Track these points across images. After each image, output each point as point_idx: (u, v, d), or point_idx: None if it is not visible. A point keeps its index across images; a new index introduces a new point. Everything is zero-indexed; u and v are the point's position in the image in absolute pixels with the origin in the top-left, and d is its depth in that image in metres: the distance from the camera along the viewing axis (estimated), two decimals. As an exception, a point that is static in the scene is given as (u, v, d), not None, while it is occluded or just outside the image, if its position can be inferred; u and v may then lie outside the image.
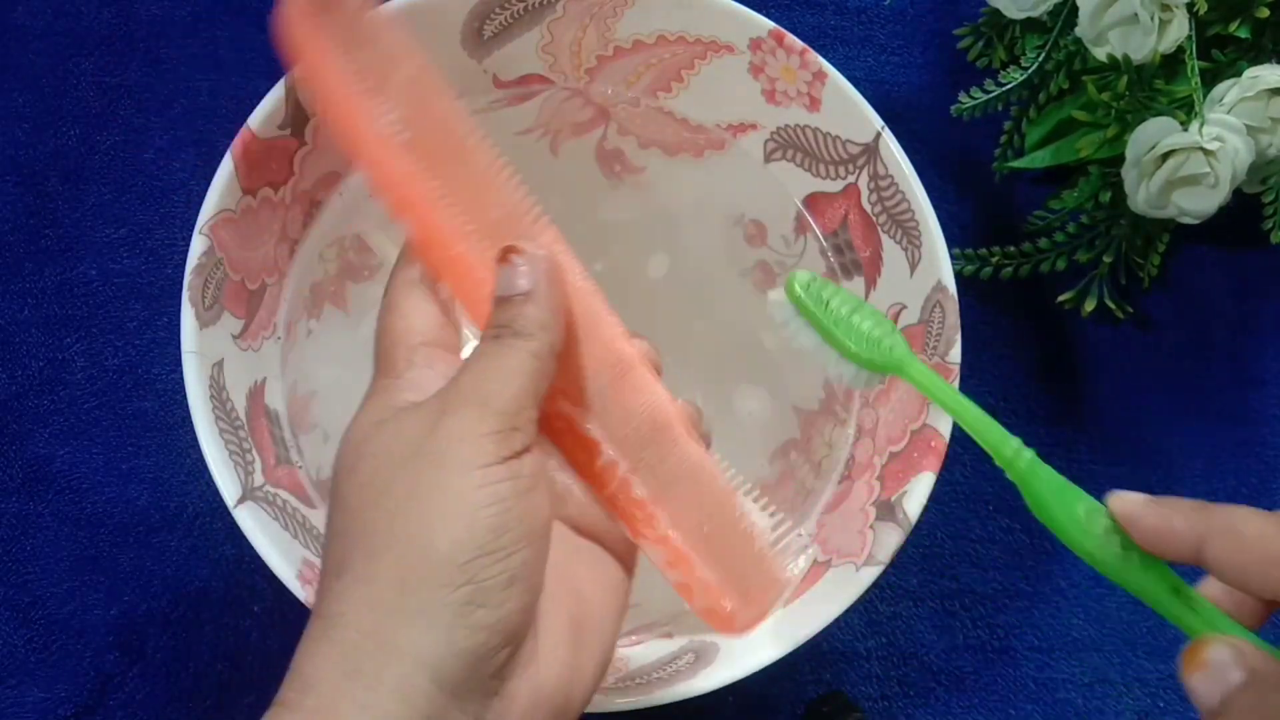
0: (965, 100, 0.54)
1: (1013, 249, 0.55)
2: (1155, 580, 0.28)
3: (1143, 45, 0.48)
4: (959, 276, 0.47)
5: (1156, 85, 0.50)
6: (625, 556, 0.35)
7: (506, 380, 0.31)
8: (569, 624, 0.31)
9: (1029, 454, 0.30)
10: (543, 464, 0.31)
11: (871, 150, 0.46)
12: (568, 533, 0.34)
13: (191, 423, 0.41)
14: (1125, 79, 0.49)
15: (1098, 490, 0.56)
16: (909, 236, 0.46)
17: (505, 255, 0.32)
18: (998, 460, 0.30)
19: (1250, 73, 0.49)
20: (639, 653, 0.44)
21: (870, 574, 0.41)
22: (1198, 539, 0.28)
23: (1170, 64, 0.49)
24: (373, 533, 0.29)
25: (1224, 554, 0.27)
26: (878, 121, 0.46)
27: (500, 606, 0.28)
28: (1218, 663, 0.26)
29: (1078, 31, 0.50)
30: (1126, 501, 0.29)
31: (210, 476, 0.40)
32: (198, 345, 0.42)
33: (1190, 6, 0.48)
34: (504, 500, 0.29)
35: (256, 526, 0.40)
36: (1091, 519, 0.29)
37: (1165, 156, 0.48)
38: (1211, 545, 0.27)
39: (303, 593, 0.40)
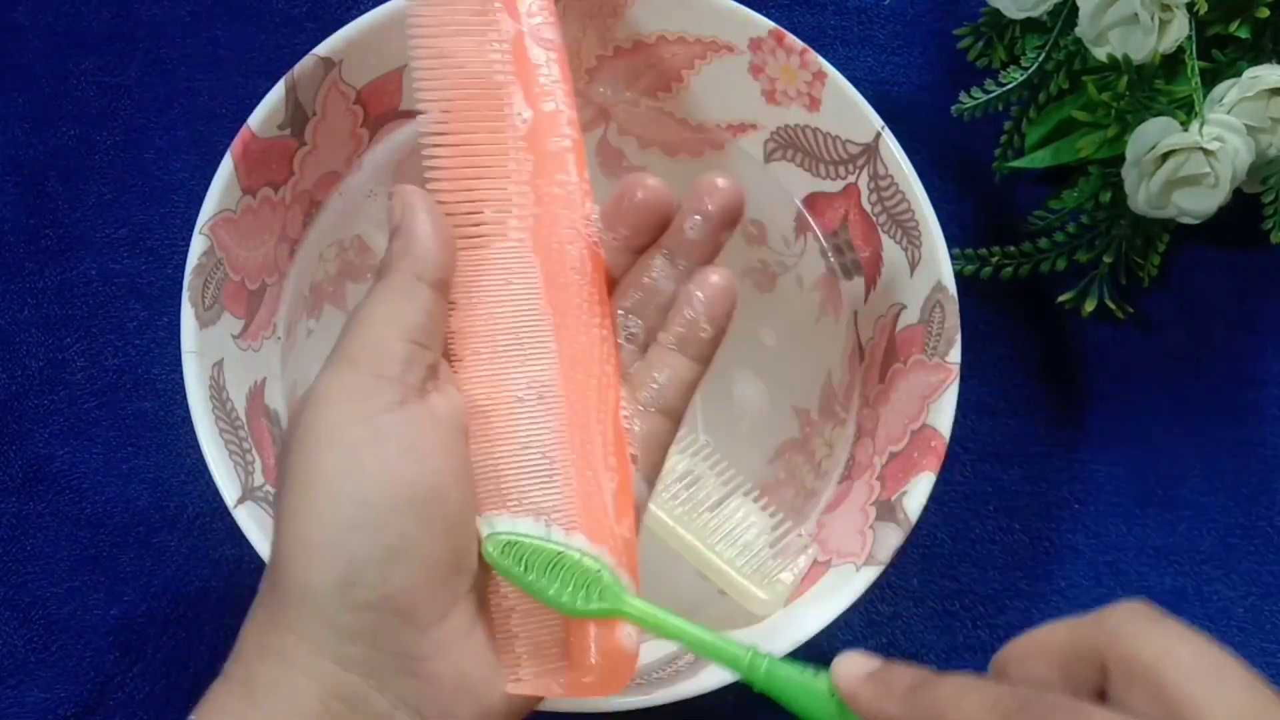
0: (965, 100, 0.54)
1: (1013, 249, 0.55)
2: None
3: (1143, 45, 0.48)
4: (959, 276, 0.47)
5: (1156, 85, 0.50)
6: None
7: (368, 326, 0.29)
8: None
9: (764, 661, 0.29)
10: (446, 410, 0.29)
11: (871, 150, 0.46)
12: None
13: (191, 423, 0.41)
14: (1125, 79, 0.49)
15: (1099, 489, 0.56)
16: (909, 236, 0.46)
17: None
18: (739, 673, 0.29)
19: (1250, 73, 0.49)
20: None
21: (870, 574, 0.41)
22: (911, 717, 0.26)
23: (1170, 64, 0.49)
24: (277, 512, 0.29)
25: None
26: (878, 121, 0.46)
27: (381, 585, 0.27)
28: None
29: (1078, 31, 0.50)
30: (847, 676, 0.27)
31: (210, 476, 0.40)
32: (198, 345, 0.42)
33: (1190, 6, 0.48)
34: (367, 467, 0.27)
35: (256, 526, 0.40)
36: (833, 697, 0.27)
37: (1165, 156, 0.48)
38: None
39: (303, 593, 0.40)
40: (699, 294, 0.34)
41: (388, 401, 0.28)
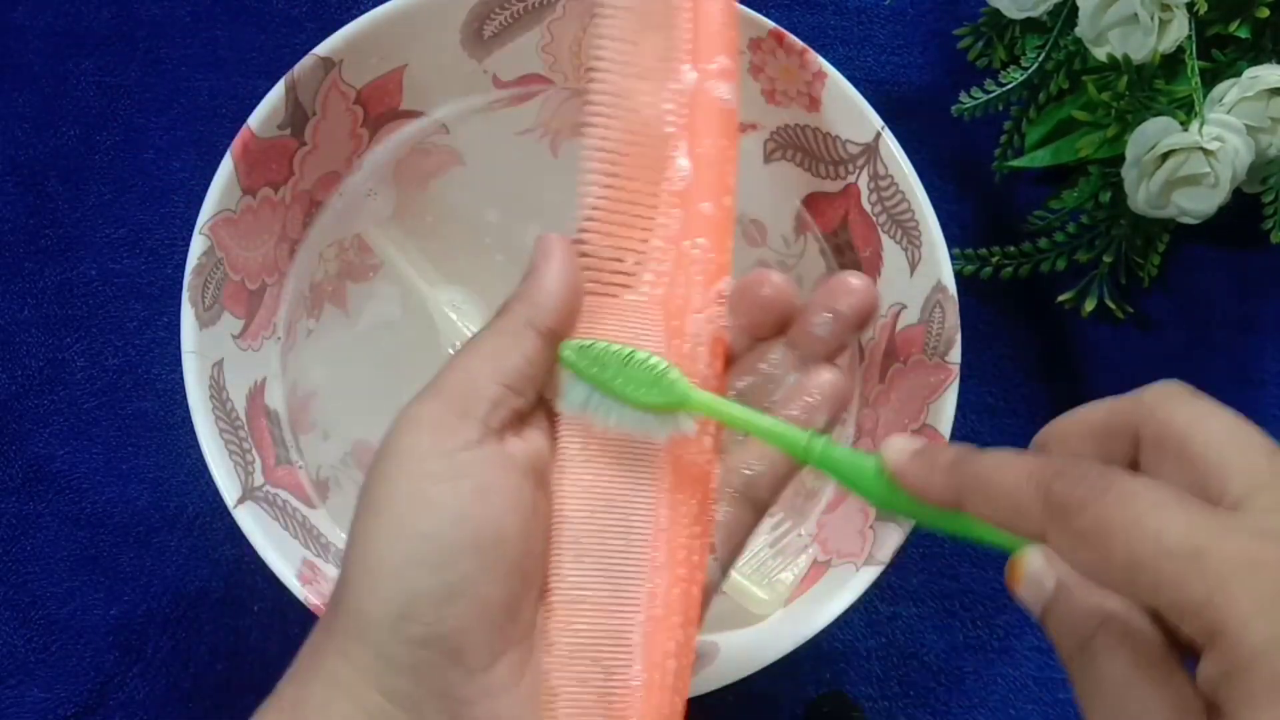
0: (965, 100, 0.54)
1: (1013, 249, 0.55)
2: (960, 520, 0.28)
3: (1143, 45, 0.48)
4: (959, 276, 0.47)
5: (1156, 85, 0.50)
6: None
7: (465, 360, 0.29)
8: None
9: (821, 441, 0.31)
10: (525, 455, 0.29)
11: (871, 150, 0.46)
12: None
13: (191, 423, 0.41)
14: (1125, 79, 0.49)
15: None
16: (909, 236, 0.46)
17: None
18: (796, 455, 0.31)
19: (1250, 73, 0.49)
20: (639, 653, 0.44)
21: (870, 574, 0.41)
22: (955, 494, 0.27)
23: (1170, 64, 0.49)
24: (349, 535, 0.29)
25: (978, 510, 0.27)
26: (878, 121, 0.46)
27: (436, 623, 0.27)
28: (1033, 574, 0.26)
29: (1078, 31, 0.50)
30: (894, 454, 0.29)
31: (210, 476, 0.40)
32: (198, 345, 0.42)
33: (1190, 6, 0.48)
34: (437, 501, 0.27)
35: (256, 526, 0.40)
36: (882, 475, 0.29)
37: (1165, 156, 0.48)
38: (966, 501, 0.27)
39: (303, 593, 0.40)
40: (814, 392, 0.33)
41: (467, 439, 0.28)
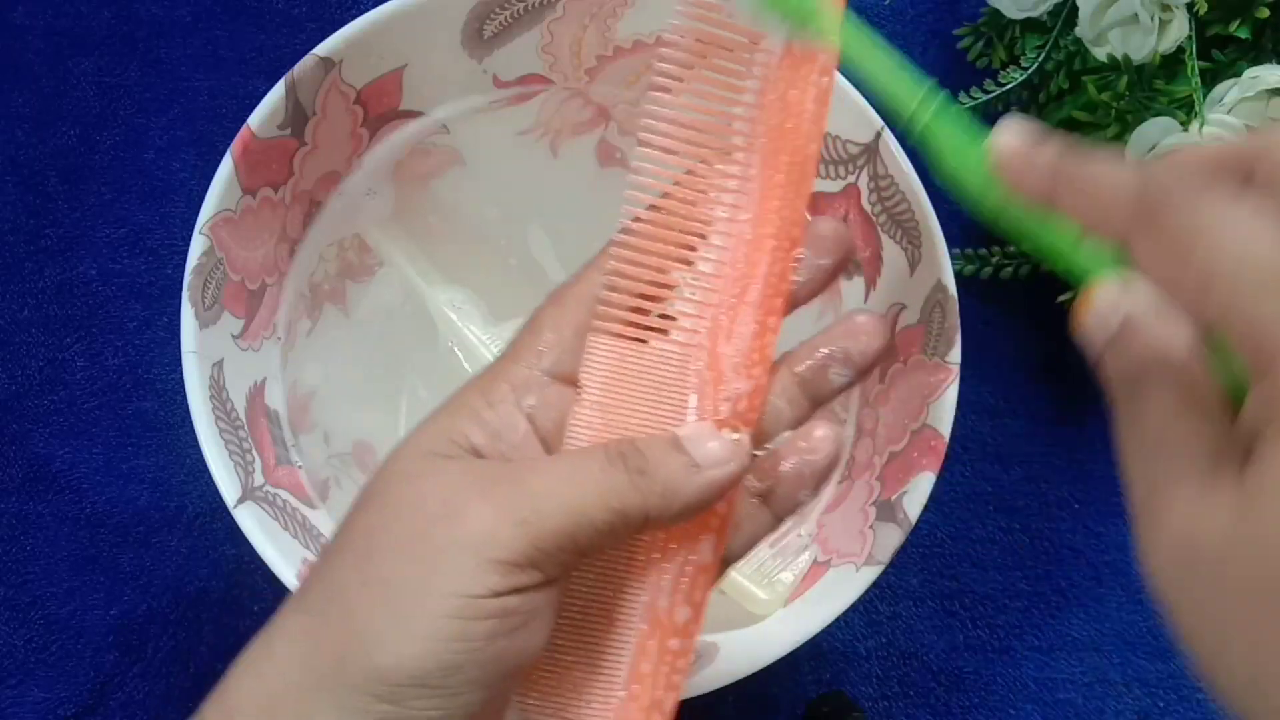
0: (965, 100, 0.54)
1: (1013, 249, 0.55)
2: (1048, 227, 0.27)
3: (1143, 45, 0.48)
4: (959, 276, 0.47)
5: (1156, 85, 0.50)
6: None
7: (566, 514, 0.27)
8: None
9: (932, 105, 0.29)
10: (550, 601, 0.28)
11: (871, 150, 0.46)
12: None
13: (191, 423, 0.41)
14: (1125, 79, 0.49)
15: (1099, 489, 0.56)
16: (909, 236, 0.46)
17: (724, 422, 0.30)
18: (902, 113, 0.29)
19: (1250, 73, 0.49)
20: (639, 653, 0.44)
21: (870, 574, 0.41)
22: (1051, 186, 0.26)
23: (1170, 64, 0.49)
24: (342, 589, 0.27)
25: (1070, 205, 0.26)
26: (878, 121, 0.46)
27: (451, 697, 0.26)
28: (1103, 306, 0.25)
29: (1078, 31, 0.50)
30: (1004, 137, 0.27)
31: (210, 476, 0.40)
32: (198, 345, 0.42)
33: (1190, 6, 0.48)
34: (473, 641, 0.26)
35: (256, 526, 0.40)
36: (985, 161, 0.28)
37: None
38: (1061, 194, 0.26)
39: (303, 593, 0.40)
40: (801, 447, 0.32)
41: (522, 585, 0.27)
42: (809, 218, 0.31)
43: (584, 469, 0.28)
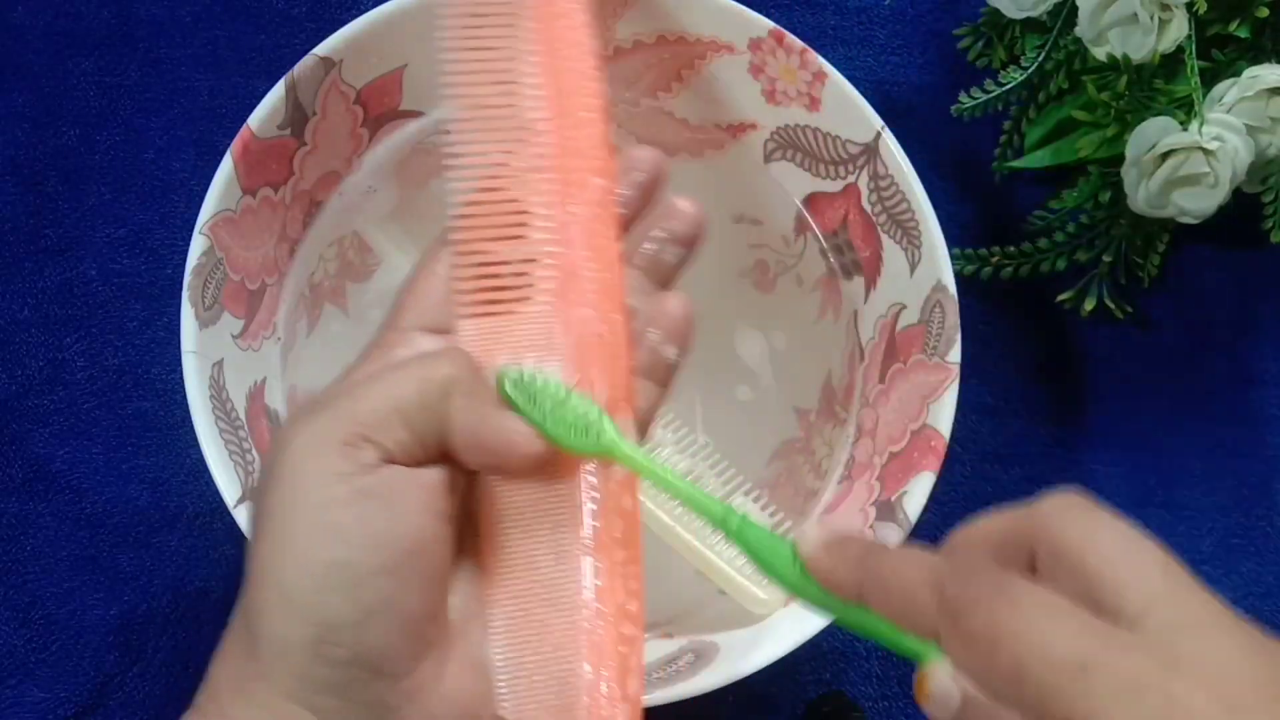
0: (965, 100, 0.54)
1: (1013, 249, 0.55)
2: (865, 615, 0.28)
3: (1142, 45, 0.48)
4: (959, 276, 0.47)
5: (1156, 85, 0.50)
6: None
7: (381, 390, 0.29)
8: (476, 645, 0.30)
9: (737, 518, 0.30)
10: (412, 478, 0.29)
11: (871, 150, 0.46)
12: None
13: (191, 423, 0.41)
14: (1125, 79, 0.49)
15: (1099, 489, 0.56)
16: (909, 236, 0.46)
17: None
18: (714, 524, 0.31)
19: (1250, 72, 0.49)
20: (639, 653, 0.44)
21: (870, 574, 0.41)
22: (858, 587, 0.28)
23: (1170, 64, 0.49)
24: (251, 556, 0.28)
25: (877, 604, 0.27)
26: (878, 121, 0.46)
27: (357, 643, 0.27)
28: (940, 687, 0.26)
29: (1077, 31, 0.50)
30: (807, 542, 0.29)
31: (210, 476, 0.40)
32: (198, 345, 0.42)
33: (1190, 6, 0.48)
34: (345, 528, 0.27)
35: (256, 526, 0.40)
36: (796, 560, 0.29)
37: (1165, 156, 0.48)
38: (868, 595, 0.27)
39: (303, 593, 0.40)
40: (660, 322, 0.34)
41: (370, 461, 0.28)
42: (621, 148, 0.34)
43: (402, 365, 0.30)
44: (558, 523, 0.31)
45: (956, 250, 0.54)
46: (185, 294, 0.42)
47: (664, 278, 0.35)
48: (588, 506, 0.31)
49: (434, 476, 0.29)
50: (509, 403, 0.31)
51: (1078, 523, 0.26)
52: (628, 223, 0.34)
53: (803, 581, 0.29)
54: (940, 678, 0.26)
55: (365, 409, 0.28)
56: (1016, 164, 0.56)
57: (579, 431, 0.31)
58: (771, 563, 0.30)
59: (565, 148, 0.33)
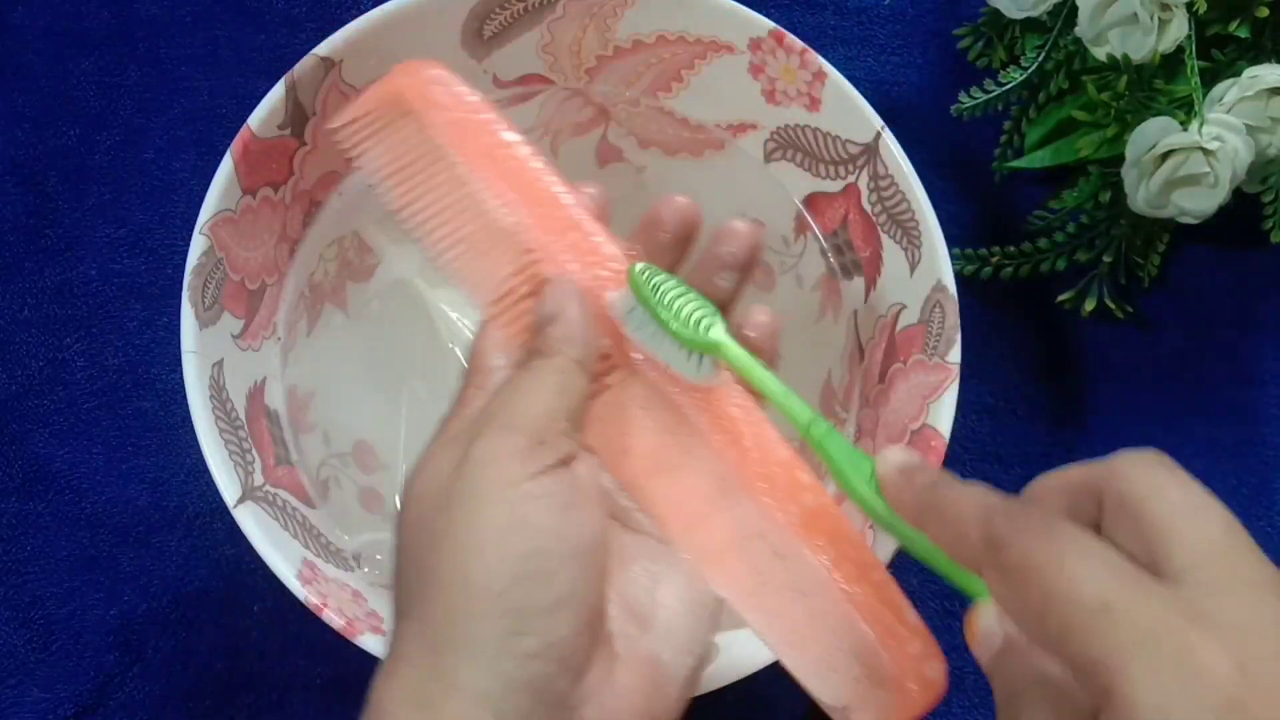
0: (965, 100, 0.54)
1: (1013, 249, 0.55)
2: (926, 543, 0.29)
3: (1142, 45, 0.48)
4: (959, 276, 0.47)
5: (1156, 85, 0.50)
6: None
7: (531, 398, 0.30)
8: (648, 642, 0.31)
9: (824, 425, 0.32)
10: (588, 476, 0.31)
11: (871, 150, 0.46)
12: (649, 543, 0.33)
13: (191, 423, 0.41)
14: (1125, 79, 0.49)
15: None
16: (909, 236, 0.46)
17: (539, 289, 0.33)
18: (799, 428, 0.32)
19: (1250, 72, 0.49)
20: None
21: (870, 574, 0.41)
22: (918, 512, 0.29)
23: (1170, 64, 0.49)
24: (423, 573, 0.29)
25: (931, 531, 0.28)
26: (878, 121, 0.46)
27: (548, 633, 0.28)
28: (986, 628, 0.27)
29: (1077, 31, 0.50)
30: (886, 462, 0.30)
31: (210, 476, 0.40)
32: (198, 345, 0.42)
33: (1190, 6, 0.48)
34: (535, 520, 0.28)
35: (256, 526, 0.40)
36: (873, 477, 0.30)
37: (1165, 156, 0.48)
38: (925, 520, 0.28)
39: (303, 592, 0.40)
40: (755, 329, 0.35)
41: (550, 463, 0.30)
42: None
43: (508, 381, 0.32)
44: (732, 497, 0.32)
45: (956, 250, 0.54)
46: (185, 294, 0.42)
47: (720, 303, 0.36)
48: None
49: (593, 479, 0.31)
50: (637, 289, 0.33)
51: (1148, 475, 0.26)
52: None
53: (875, 498, 0.30)
54: (986, 617, 0.27)
55: (527, 418, 0.30)
56: (1016, 164, 0.56)
57: (692, 325, 0.32)
58: (849, 475, 0.30)
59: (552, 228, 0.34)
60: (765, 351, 0.35)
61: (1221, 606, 0.23)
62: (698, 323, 0.32)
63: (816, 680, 0.32)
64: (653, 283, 0.32)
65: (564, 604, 0.28)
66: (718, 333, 0.32)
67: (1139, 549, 0.25)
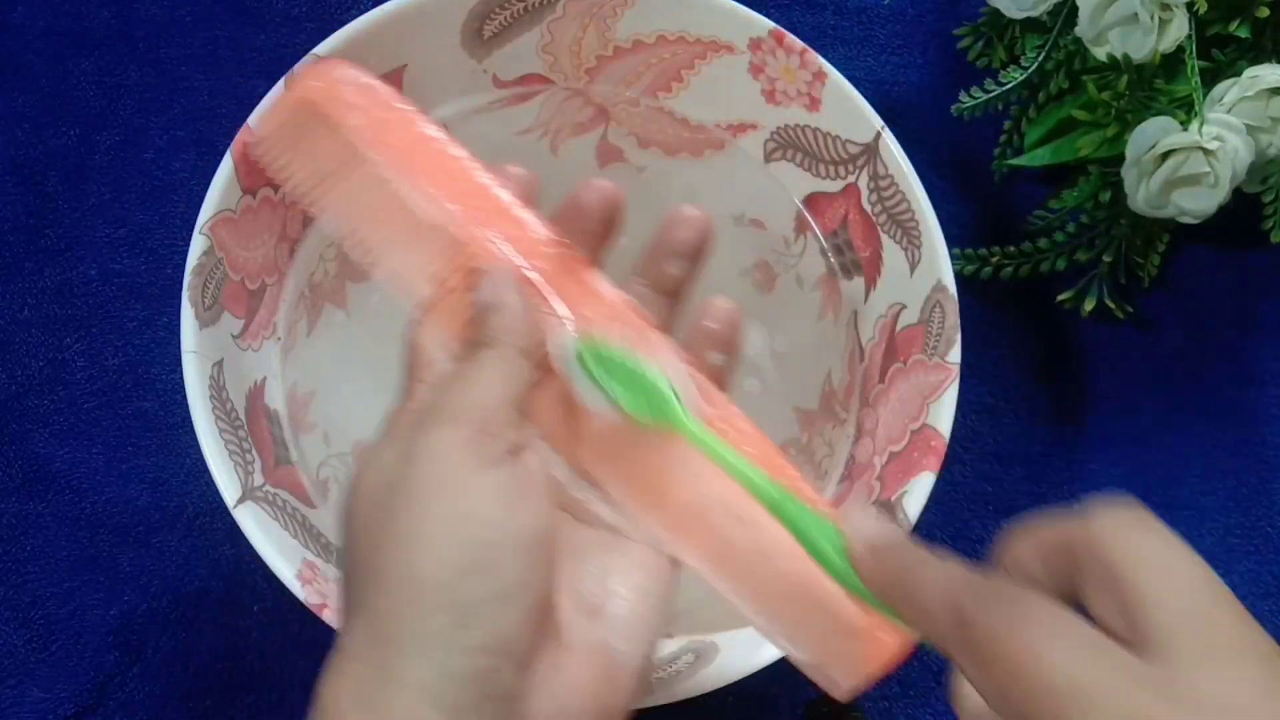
0: (965, 100, 0.54)
1: (1013, 249, 0.55)
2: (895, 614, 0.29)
3: (1143, 45, 0.48)
4: (959, 276, 0.47)
5: (1156, 85, 0.50)
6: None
7: (477, 388, 0.30)
8: (598, 632, 0.30)
9: (793, 501, 0.31)
10: (537, 467, 0.30)
11: (871, 150, 0.46)
12: (601, 534, 0.33)
13: (191, 423, 0.41)
14: (1125, 78, 0.49)
15: (1099, 489, 0.56)
16: (909, 236, 0.46)
17: (472, 279, 0.32)
18: (769, 507, 0.31)
19: (1250, 72, 0.49)
20: (639, 653, 0.44)
21: (870, 574, 0.41)
22: (884, 590, 0.28)
23: (1170, 64, 0.49)
24: (368, 567, 0.29)
25: (898, 608, 0.28)
26: (878, 121, 0.46)
27: (492, 625, 0.27)
28: (967, 693, 0.27)
29: (1078, 31, 0.50)
30: (856, 539, 0.29)
31: (210, 476, 0.40)
32: (198, 345, 0.42)
33: (1190, 6, 0.48)
34: (481, 513, 0.28)
35: (256, 526, 0.40)
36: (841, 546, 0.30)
37: (1165, 156, 0.48)
38: (891, 598, 0.28)
39: (303, 593, 0.40)
40: (714, 319, 0.35)
41: (497, 454, 0.29)
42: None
43: (451, 372, 0.31)
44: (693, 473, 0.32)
45: (956, 250, 0.54)
46: (185, 294, 0.42)
47: (669, 289, 0.36)
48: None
49: (542, 470, 0.30)
50: (585, 369, 0.31)
51: (1124, 535, 0.25)
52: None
53: (845, 569, 0.29)
54: (967, 684, 0.26)
55: (473, 409, 0.29)
56: (1016, 163, 0.56)
57: (646, 404, 0.31)
58: (824, 551, 0.30)
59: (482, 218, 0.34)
60: (727, 343, 0.35)
61: (1200, 683, 0.23)
62: (651, 400, 0.31)
63: (790, 641, 0.32)
64: (601, 360, 0.32)
65: (510, 596, 0.28)
66: (674, 412, 0.31)
67: (1116, 614, 0.24)
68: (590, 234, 0.35)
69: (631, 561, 0.32)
